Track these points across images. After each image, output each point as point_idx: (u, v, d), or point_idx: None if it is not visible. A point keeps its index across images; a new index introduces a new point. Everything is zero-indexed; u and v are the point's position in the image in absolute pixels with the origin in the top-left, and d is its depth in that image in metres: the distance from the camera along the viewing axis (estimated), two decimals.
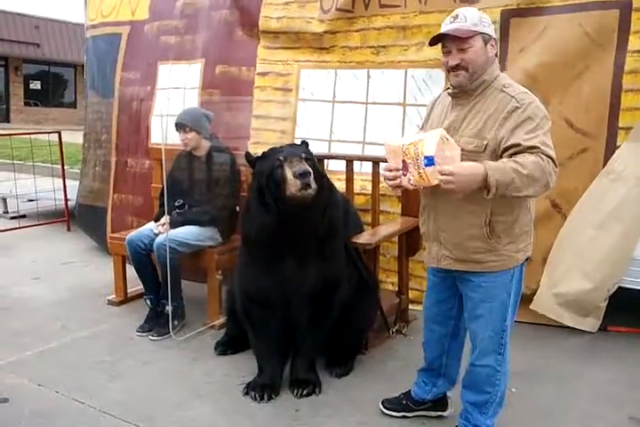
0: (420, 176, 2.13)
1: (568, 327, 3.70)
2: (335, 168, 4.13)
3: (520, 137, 2.10)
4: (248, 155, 3.02)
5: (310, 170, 2.72)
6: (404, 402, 2.77)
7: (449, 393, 2.78)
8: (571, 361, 3.36)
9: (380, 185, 3.88)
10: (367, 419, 2.78)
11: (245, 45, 4.71)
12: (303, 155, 2.85)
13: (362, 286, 3.20)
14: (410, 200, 3.78)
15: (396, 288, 3.90)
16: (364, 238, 3.26)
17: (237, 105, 4.76)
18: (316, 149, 4.28)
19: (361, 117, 4.40)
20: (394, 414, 2.76)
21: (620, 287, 3.62)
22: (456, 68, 2.21)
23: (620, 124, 3.61)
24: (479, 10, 3.81)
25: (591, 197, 3.64)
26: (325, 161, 4.09)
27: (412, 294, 4.06)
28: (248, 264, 3.07)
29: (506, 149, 2.12)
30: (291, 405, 2.89)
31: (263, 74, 4.67)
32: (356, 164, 4.04)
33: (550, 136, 2.17)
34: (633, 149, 3.55)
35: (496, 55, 2.29)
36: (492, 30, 2.27)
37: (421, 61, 4.10)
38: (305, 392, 2.97)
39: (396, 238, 3.81)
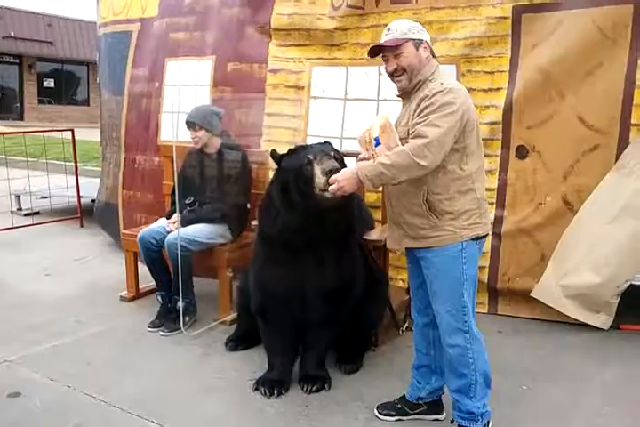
0: (373, 158, 2.40)
1: (579, 324, 3.68)
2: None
3: (414, 123, 2.36)
4: (274, 152, 2.99)
5: (339, 166, 2.69)
6: (399, 406, 2.76)
7: (442, 397, 2.77)
8: (582, 359, 3.34)
9: None
10: (375, 415, 2.77)
11: (257, 43, 4.72)
12: (332, 153, 2.85)
13: (371, 282, 3.20)
14: None
15: (406, 285, 3.90)
16: (374, 235, 3.26)
17: (249, 102, 4.76)
18: None
19: (372, 114, 4.38)
20: (388, 418, 2.74)
21: (632, 285, 3.59)
22: (395, 72, 2.49)
23: (633, 121, 3.59)
24: (491, 5, 3.86)
25: (602, 193, 3.61)
26: None
27: None
28: (266, 262, 3.03)
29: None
30: (300, 401, 2.90)
31: (275, 71, 4.67)
32: None
33: (452, 120, 2.30)
34: None
35: (433, 55, 2.55)
36: (422, 35, 2.51)
37: None
38: (315, 388, 2.97)
39: None
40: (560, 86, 3.71)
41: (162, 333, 3.68)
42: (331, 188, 2.44)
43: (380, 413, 2.77)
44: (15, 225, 6.23)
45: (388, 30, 2.51)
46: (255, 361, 3.27)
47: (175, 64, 5.09)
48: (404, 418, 2.74)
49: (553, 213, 3.79)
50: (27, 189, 6.98)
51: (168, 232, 3.74)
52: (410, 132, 2.38)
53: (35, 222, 6.48)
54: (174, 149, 3.61)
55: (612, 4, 3.56)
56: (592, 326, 3.66)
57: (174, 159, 3.71)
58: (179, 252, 3.50)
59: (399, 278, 4.09)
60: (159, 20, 5.18)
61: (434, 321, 2.58)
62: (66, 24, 23.72)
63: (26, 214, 6.97)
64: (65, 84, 25.03)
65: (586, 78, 3.66)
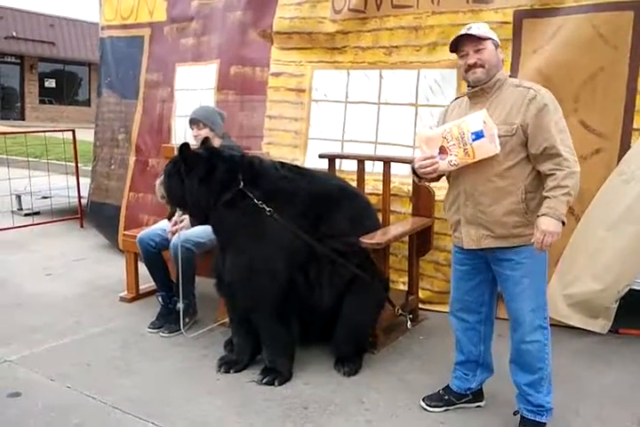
0: (466, 153, 2.44)
1: (578, 328, 3.68)
2: (347, 168, 4.15)
3: (544, 138, 2.39)
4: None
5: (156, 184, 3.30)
6: (446, 397, 2.85)
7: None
8: (580, 363, 3.35)
9: (392, 185, 3.89)
10: (375, 417, 2.79)
11: (259, 46, 4.74)
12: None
13: (357, 284, 3.18)
14: (420, 200, 3.79)
15: (406, 287, 3.90)
16: (374, 238, 3.26)
17: (251, 105, 4.79)
18: (329, 149, 4.33)
19: (373, 118, 4.40)
20: (436, 410, 2.84)
21: (631, 289, 3.60)
22: (473, 66, 2.50)
23: (635, 126, 3.59)
24: (492, 11, 3.88)
25: (603, 198, 3.62)
26: (337, 161, 4.10)
27: (423, 294, 4.07)
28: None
29: (540, 153, 2.42)
30: (299, 403, 2.91)
31: (277, 74, 4.70)
32: (369, 164, 4.05)
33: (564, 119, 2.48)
34: None
35: (502, 60, 2.60)
36: (498, 40, 2.59)
37: (434, 62, 4.10)
38: (264, 381, 3.08)
39: (407, 238, 3.81)
40: (561, 91, 3.68)
41: (162, 334, 3.69)
42: (545, 243, 2.35)
43: (427, 404, 2.86)
44: (15, 225, 6.26)
45: (469, 28, 2.54)
46: (255, 363, 3.27)
47: (184, 69, 5.13)
48: (451, 408, 2.85)
49: None
50: (27, 188, 7.00)
51: (171, 237, 3.72)
52: (526, 130, 2.41)
53: (35, 222, 6.50)
54: (175, 150, 3.62)
55: (612, 9, 3.56)
56: (591, 331, 3.67)
57: None
58: (179, 253, 3.50)
59: (400, 281, 4.09)
60: (169, 26, 5.23)
61: (485, 318, 2.73)
62: (68, 25, 23.75)
63: (26, 214, 6.99)
64: (66, 84, 25.04)
65: (587, 83, 3.67)
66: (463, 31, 2.54)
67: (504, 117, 2.45)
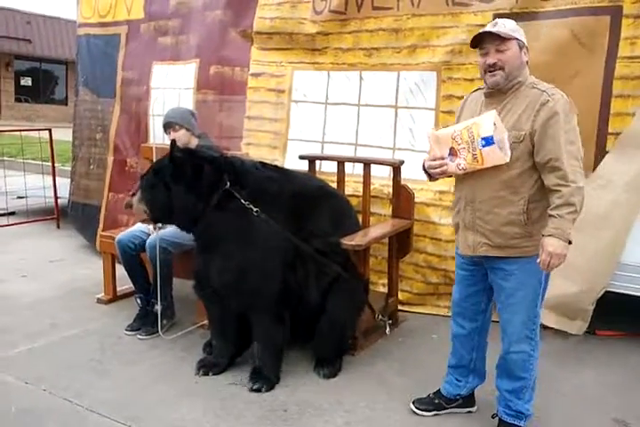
0: (475, 158, 2.36)
1: (554, 329, 3.72)
2: (328, 169, 4.15)
3: (550, 148, 2.30)
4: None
5: (132, 202, 3.17)
6: (436, 401, 2.83)
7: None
8: (556, 364, 3.38)
9: (372, 187, 3.90)
10: (354, 419, 2.79)
11: (239, 46, 4.72)
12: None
13: (339, 285, 3.19)
14: (400, 202, 3.80)
15: (387, 290, 3.91)
16: (354, 240, 3.26)
17: (230, 105, 4.77)
18: (309, 150, 4.32)
19: (353, 119, 4.41)
20: (426, 413, 2.81)
21: (607, 292, 3.64)
22: (493, 66, 2.39)
23: (610, 130, 3.63)
24: (472, 13, 3.90)
25: None
26: (318, 162, 4.10)
27: (402, 296, 4.08)
28: (196, 251, 3.29)
29: (544, 164, 2.32)
30: (279, 405, 2.90)
31: (257, 75, 4.68)
32: (349, 165, 4.05)
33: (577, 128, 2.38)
34: (621, 154, 3.57)
35: (527, 62, 2.48)
36: (525, 40, 2.47)
37: (414, 64, 4.12)
38: (254, 387, 3.03)
39: (387, 240, 3.82)
40: None
41: (139, 336, 3.66)
42: (552, 265, 2.27)
43: (417, 408, 2.83)
44: None
45: (496, 24, 2.42)
46: (233, 366, 3.25)
47: (162, 68, 5.09)
48: (441, 412, 2.81)
49: None
50: (2, 188, 6.89)
51: (149, 234, 3.71)
52: (533, 137, 2.31)
53: (10, 223, 6.40)
54: (154, 150, 3.59)
55: (589, 14, 3.61)
56: (566, 331, 3.71)
57: (154, 161, 3.69)
58: (157, 254, 3.48)
59: (380, 283, 4.10)
60: (147, 23, 5.18)
61: (482, 326, 2.69)
62: (45, 22, 23.44)
63: (1, 214, 6.86)
64: (43, 82, 24.72)
65: (563, 87, 3.65)
66: (487, 28, 2.42)
67: (514, 122, 2.36)
